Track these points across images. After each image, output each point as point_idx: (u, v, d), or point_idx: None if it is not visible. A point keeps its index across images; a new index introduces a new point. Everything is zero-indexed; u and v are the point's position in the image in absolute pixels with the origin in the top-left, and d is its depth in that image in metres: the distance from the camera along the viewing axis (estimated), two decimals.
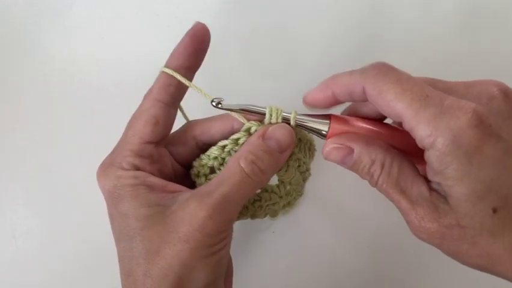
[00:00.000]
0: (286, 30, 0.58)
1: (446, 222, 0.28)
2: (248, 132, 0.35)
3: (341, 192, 0.51)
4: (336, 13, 0.59)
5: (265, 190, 0.39)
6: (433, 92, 0.28)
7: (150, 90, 0.35)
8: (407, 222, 0.31)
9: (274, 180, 0.39)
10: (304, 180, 0.42)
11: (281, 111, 0.34)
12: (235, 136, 0.35)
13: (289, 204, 0.43)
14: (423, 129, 0.27)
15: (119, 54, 0.58)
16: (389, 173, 0.31)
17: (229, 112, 0.35)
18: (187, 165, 0.38)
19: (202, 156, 0.36)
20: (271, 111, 0.34)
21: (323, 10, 0.59)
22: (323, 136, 0.34)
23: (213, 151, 0.35)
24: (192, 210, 0.30)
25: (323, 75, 0.50)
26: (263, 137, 0.33)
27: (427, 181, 0.30)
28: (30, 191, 0.52)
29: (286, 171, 0.37)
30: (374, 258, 0.49)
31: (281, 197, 0.40)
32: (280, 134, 0.33)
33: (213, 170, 0.36)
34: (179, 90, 0.36)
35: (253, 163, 0.32)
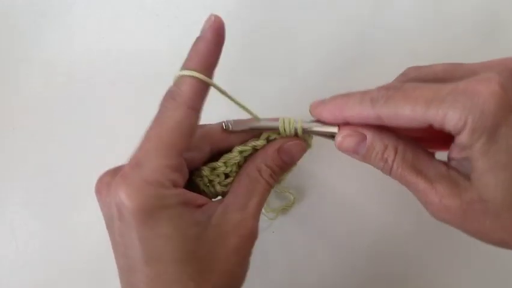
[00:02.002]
0: (287, 30, 0.58)
1: (467, 198, 0.28)
2: (267, 140, 0.36)
3: (342, 193, 0.51)
4: (337, 13, 0.59)
5: None
6: (441, 85, 0.28)
7: (180, 96, 0.31)
8: (427, 203, 0.30)
9: None
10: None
11: (293, 121, 0.36)
12: (254, 143, 0.36)
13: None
14: (452, 118, 0.27)
15: (119, 54, 0.58)
16: (404, 156, 0.31)
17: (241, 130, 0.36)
18: (194, 171, 0.36)
19: (217, 164, 0.35)
20: (284, 123, 0.36)
21: (323, 10, 0.59)
22: (334, 137, 0.35)
23: (233, 158, 0.36)
24: (240, 223, 0.32)
25: (322, 75, 0.50)
26: (279, 150, 0.35)
27: (444, 163, 0.31)
28: (30, 191, 0.52)
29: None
30: (375, 258, 0.49)
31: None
32: (296, 151, 0.36)
33: (227, 175, 0.36)
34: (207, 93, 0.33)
35: (272, 177, 0.35)
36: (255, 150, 0.36)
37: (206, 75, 0.32)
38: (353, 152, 0.34)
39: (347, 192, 0.51)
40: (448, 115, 0.27)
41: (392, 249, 0.49)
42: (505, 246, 0.30)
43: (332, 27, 0.58)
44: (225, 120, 0.35)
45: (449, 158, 0.31)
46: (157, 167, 0.30)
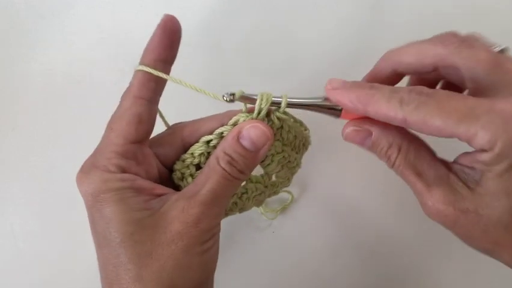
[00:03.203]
0: (286, 30, 0.58)
1: (462, 207, 0.29)
2: (235, 125, 0.34)
3: (342, 192, 0.51)
4: (336, 13, 0.59)
5: (250, 181, 0.38)
6: (477, 101, 0.28)
7: (129, 89, 0.34)
8: (421, 204, 0.31)
9: (260, 170, 0.39)
10: (293, 173, 0.42)
11: (271, 96, 0.33)
12: (219, 130, 0.34)
13: (274, 193, 0.43)
14: (481, 138, 0.27)
15: (119, 54, 0.58)
16: (406, 156, 0.31)
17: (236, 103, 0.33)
18: (172, 168, 0.37)
19: (185, 156, 0.35)
20: (262, 96, 0.33)
21: (322, 10, 0.59)
22: (338, 111, 0.34)
23: (198, 148, 0.35)
24: (183, 208, 0.31)
25: (322, 75, 0.49)
26: (238, 136, 0.33)
27: (447, 165, 0.31)
28: (30, 191, 0.52)
29: (269, 165, 0.37)
30: (375, 258, 0.49)
31: (266, 187, 0.40)
32: (254, 134, 0.33)
33: (198, 167, 0.36)
34: (159, 85, 0.34)
35: (231, 164, 0.32)
36: (222, 137, 0.34)
37: (160, 67, 0.33)
38: (359, 145, 0.34)
39: (347, 192, 0.51)
40: (478, 134, 0.27)
41: (392, 249, 0.49)
42: (490, 255, 0.31)
43: (331, 27, 0.58)
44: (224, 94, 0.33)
45: (455, 161, 0.31)
46: (104, 152, 0.32)
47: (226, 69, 0.56)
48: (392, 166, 0.32)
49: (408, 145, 0.32)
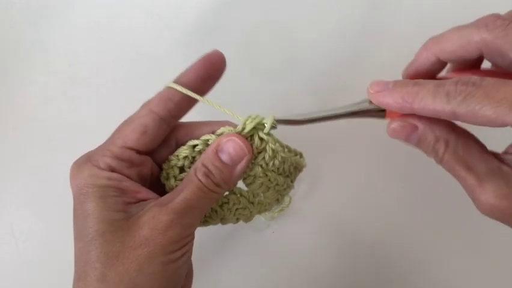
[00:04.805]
0: (286, 30, 0.58)
1: None
2: (220, 135, 0.34)
3: (342, 192, 0.51)
4: (336, 13, 0.59)
5: (233, 192, 0.38)
6: None
7: (149, 101, 0.34)
8: (473, 199, 0.30)
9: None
10: (284, 194, 0.41)
11: (261, 118, 0.34)
12: (205, 137, 0.35)
13: (266, 210, 0.42)
14: None
15: (119, 54, 0.58)
16: (454, 150, 0.30)
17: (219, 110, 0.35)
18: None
19: (171, 157, 0.36)
20: (254, 116, 0.34)
21: (323, 10, 0.59)
22: (382, 111, 0.33)
23: (182, 151, 0.35)
24: (154, 214, 0.31)
25: (323, 75, 0.50)
26: (217, 149, 0.33)
27: (498, 157, 0.30)
28: (30, 191, 0.52)
29: (251, 184, 0.37)
30: (375, 258, 0.49)
31: (252, 203, 0.39)
32: (232, 148, 0.33)
33: (182, 170, 0.36)
34: (179, 109, 0.35)
35: (207, 176, 0.32)
36: (208, 145, 0.34)
37: (188, 89, 0.34)
38: (405, 141, 0.32)
39: (348, 193, 0.51)
40: None
41: (392, 249, 0.49)
42: None
43: (332, 26, 0.58)
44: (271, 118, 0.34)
45: (506, 151, 0.30)
46: (101, 149, 0.33)
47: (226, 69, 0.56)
48: (441, 161, 0.31)
49: (456, 139, 0.31)
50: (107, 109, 0.55)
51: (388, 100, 0.31)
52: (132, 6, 0.60)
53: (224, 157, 0.33)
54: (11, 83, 0.57)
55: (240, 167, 0.34)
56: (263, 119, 0.34)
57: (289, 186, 0.40)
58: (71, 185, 0.33)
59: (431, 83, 0.30)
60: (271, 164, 0.36)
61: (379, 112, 0.33)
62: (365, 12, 0.59)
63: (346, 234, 0.50)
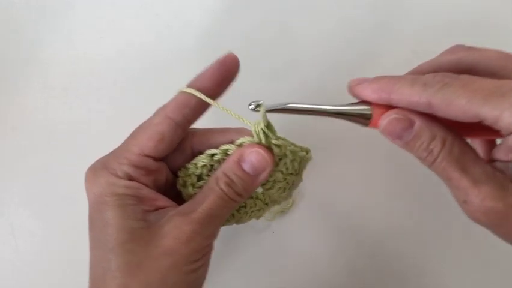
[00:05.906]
0: (287, 30, 0.58)
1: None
2: (240, 146, 0.34)
3: (341, 192, 0.51)
4: (336, 13, 0.59)
5: (250, 197, 0.38)
6: (504, 81, 0.27)
7: (164, 106, 0.34)
8: (465, 202, 0.29)
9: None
10: (294, 190, 0.42)
11: (257, 124, 0.33)
12: (224, 147, 0.34)
13: (274, 206, 0.43)
14: (507, 117, 0.26)
15: (119, 54, 0.58)
16: (451, 150, 0.29)
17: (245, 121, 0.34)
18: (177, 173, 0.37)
19: (188, 165, 0.35)
20: (255, 127, 0.33)
21: (323, 10, 0.59)
22: (366, 119, 0.32)
23: (201, 159, 0.35)
24: (177, 225, 0.31)
25: (323, 76, 0.50)
26: (240, 159, 0.33)
27: (490, 163, 0.30)
28: (30, 191, 0.52)
29: (270, 189, 0.37)
30: (375, 258, 0.49)
31: (267, 204, 0.40)
32: (255, 159, 0.33)
33: (200, 178, 0.36)
34: (194, 114, 0.34)
35: (229, 185, 0.32)
36: (227, 154, 0.34)
37: (203, 94, 0.34)
38: (397, 137, 0.31)
39: (348, 193, 0.51)
40: (504, 113, 0.26)
41: (392, 250, 0.49)
42: None
43: (332, 27, 0.58)
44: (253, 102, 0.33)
45: (492, 159, 0.30)
46: (118, 157, 0.33)
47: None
48: (433, 162, 0.30)
49: (453, 139, 0.30)
50: (107, 109, 0.55)
51: (367, 92, 0.31)
52: (132, 6, 0.60)
53: (247, 167, 0.33)
54: (11, 83, 0.57)
55: (262, 176, 0.34)
56: (260, 123, 0.33)
57: (300, 180, 0.41)
58: (87, 192, 0.32)
59: (408, 75, 0.30)
60: (291, 167, 0.36)
61: (363, 118, 0.32)
62: (365, 13, 0.59)
63: (346, 235, 0.50)
